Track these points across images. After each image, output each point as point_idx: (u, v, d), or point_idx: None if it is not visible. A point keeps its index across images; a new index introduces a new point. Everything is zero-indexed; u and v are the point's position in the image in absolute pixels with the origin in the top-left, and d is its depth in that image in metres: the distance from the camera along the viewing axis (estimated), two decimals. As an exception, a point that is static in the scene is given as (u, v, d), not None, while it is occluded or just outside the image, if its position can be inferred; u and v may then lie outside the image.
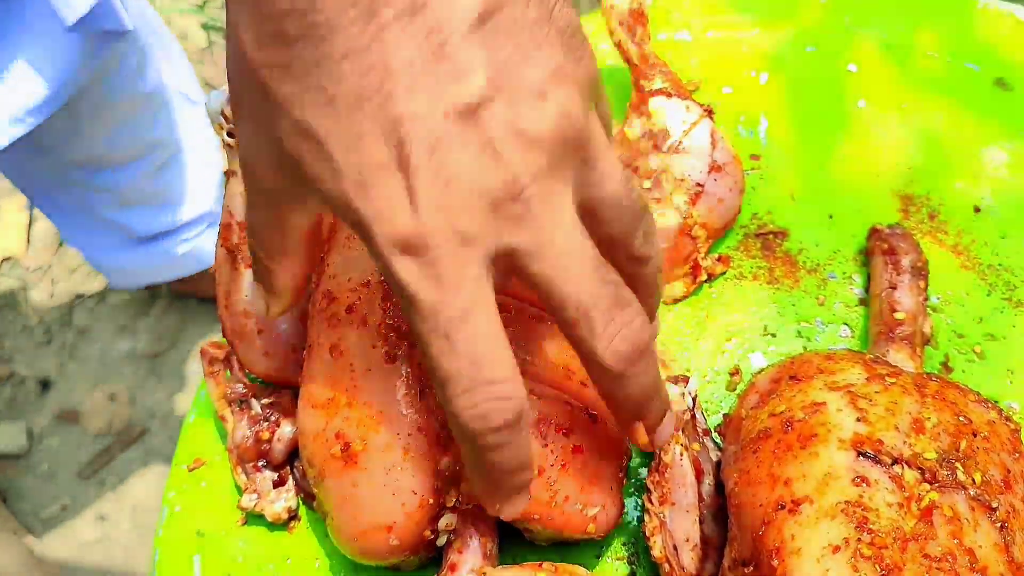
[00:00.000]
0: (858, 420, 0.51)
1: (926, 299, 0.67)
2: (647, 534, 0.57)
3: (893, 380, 0.55)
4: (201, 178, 1.39)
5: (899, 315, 0.66)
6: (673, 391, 0.58)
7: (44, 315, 1.84)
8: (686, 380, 0.60)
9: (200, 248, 1.48)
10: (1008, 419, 0.55)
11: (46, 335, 1.82)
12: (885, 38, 0.84)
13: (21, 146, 1.01)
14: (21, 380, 1.76)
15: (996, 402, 0.60)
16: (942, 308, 0.71)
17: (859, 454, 0.49)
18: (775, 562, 0.47)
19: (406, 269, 0.38)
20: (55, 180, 1.24)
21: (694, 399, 0.60)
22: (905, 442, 0.50)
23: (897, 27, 0.84)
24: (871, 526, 0.46)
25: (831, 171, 0.78)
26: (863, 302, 0.71)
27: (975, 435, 0.52)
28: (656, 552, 0.57)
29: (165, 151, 1.28)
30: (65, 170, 1.20)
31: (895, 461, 0.49)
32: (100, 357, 1.79)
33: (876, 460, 0.49)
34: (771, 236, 0.75)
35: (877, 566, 0.45)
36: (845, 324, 0.71)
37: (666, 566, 0.57)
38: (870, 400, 0.53)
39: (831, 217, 0.75)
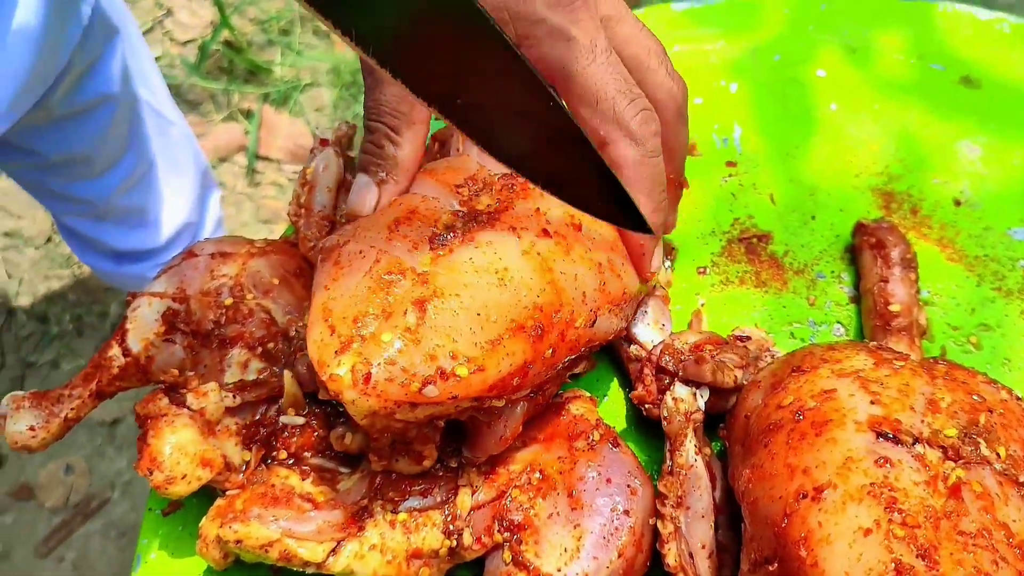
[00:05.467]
0: (872, 403, 0.49)
1: (918, 291, 0.66)
2: (661, 541, 0.54)
3: (901, 363, 0.53)
4: (174, 202, 1.37)
5: (894, 307, 0.64)
6: (683, 391, 0.56)
7: (-7, 387, 1.76)
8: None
9: None
10: (1019, 398, 0.53)
11: (-4, 408, 1.74)
12: (850, 43, 0.84)
13: (7, 146, 1.00)
14: (-30, 457, 1.67)
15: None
16: (934, 301, 0.70)
17: (878, 435, 0.47)
18: (803, 552, 0.44)
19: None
20: (35, 186, 1.23)
21: (706, 401, 0.57)
22: (923, 421, 0.48)
23: (861, 32, 0.85)
24: (900, 506, 0.44)
25: (809, 173, 0.77)
26: (854, 300, 0.70)
27: (991, 412, 0.50)
28: (671, 560, 0.54)
29: (140, 165, 1.26)
30: (43, 175, 1.18)
31: (916, 440, 0.47)
32: (55, 428, 1.71)
33: (896, 440, 0.47)
34: (754, 240, 0.74)
35: (912, 546, 0.42)
36: (838, 323, 0.69)
37: (681, 575, 0.54)
38: (881, 383, 0.51)
39: (814, 218, 0.75)
